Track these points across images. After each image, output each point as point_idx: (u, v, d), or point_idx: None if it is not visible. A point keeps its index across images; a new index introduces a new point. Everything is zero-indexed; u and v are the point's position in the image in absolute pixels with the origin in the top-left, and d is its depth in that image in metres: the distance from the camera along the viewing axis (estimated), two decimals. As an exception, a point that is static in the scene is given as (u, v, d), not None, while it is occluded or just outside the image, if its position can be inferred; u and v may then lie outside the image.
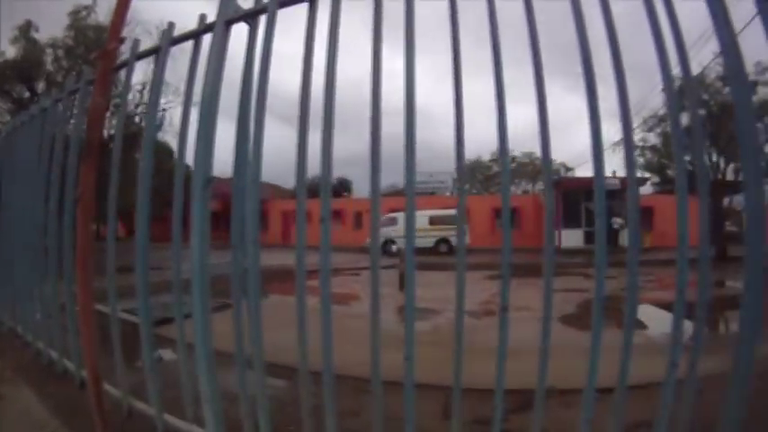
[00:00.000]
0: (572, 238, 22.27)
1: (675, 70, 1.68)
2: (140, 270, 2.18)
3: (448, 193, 31.67)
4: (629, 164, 1.59)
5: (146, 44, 2.52)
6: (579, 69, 1.67)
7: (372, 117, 1.65)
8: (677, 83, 1.80)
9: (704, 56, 14.90)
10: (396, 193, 18.42)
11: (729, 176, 17.78)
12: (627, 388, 1.75)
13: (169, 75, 2.71)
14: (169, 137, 18.89)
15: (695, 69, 15.30)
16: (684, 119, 1.90)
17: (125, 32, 2.21)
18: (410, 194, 1.64)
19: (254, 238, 1.79)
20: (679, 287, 1.62)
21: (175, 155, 2.27)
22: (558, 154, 34.19)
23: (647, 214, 21.50)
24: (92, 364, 2.28)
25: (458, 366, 1.65)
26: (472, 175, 42.72)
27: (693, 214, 1.65)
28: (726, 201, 18.70)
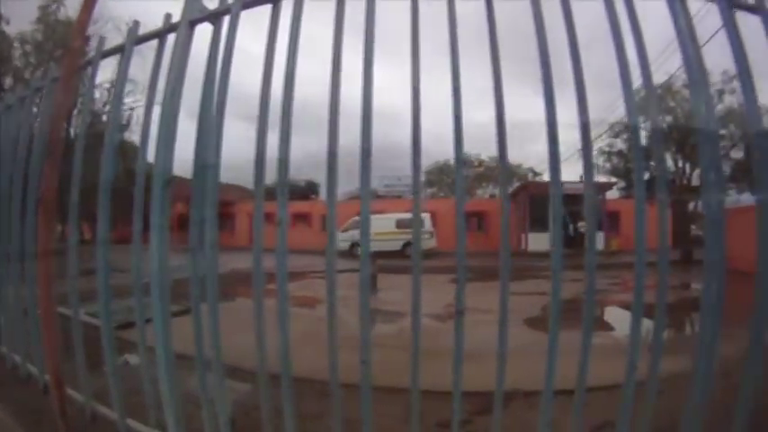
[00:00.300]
0: (539, 241, 22.42)
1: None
2: (101, 272, 2.14)
3: (414, 196, 31.42)
4: (587, 169, 1.62)
5: (116, 41, 2.48)
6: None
7: (330, 120, 1.65)
8: (642, 92, 1.83)
9: (672, 63, 15.22)
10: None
11: (695, 182, 18.28)
12: (586, 389, 1.77)
13: (139, 73, 2.67)
14: (136, 137, 18.60)
15: (662, 77, 15.58)
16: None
17: (95, 29, 2.19)
18: (365, 198, 1.64)
19: (213, 242, 1.77)
20: (637, 290, 1.65)
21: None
22: (527, 158, 34.39)
23: (613, 218, 21.86)
24: (54, 369, 2.24)
25: (414, 369, 1.66)
26: (440, 177, 42.62)
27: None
28: (691, 205, 19.19)
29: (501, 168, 1.70)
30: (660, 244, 1.66)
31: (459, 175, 1.69)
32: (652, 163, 1.77)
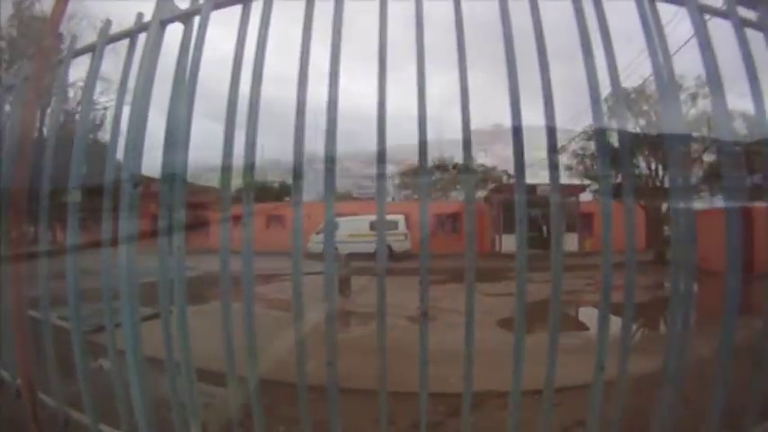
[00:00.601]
0: (513, 243, 22.55)
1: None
2: (70, 275, 2.11)
3: (390, 199, 31.22)
4: (552, 172, 1.64)
5: (91, 39, 2.44)
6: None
7: (297, 122, 1.64)
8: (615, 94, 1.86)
9: (648, 68, 15.42)
10: (337, 197, 18.16)
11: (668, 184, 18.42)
12: (560, 389, 1.79)
13: (114, 72, 2.62)
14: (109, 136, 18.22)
15: (637, 81, 15.77)
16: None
17: (70, 27, 2.15)
18: (329, 201, 1.64)
19: (180, 243, 1.76)
20: (604, 291, 1.67)
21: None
22: (503, 161, 34.18)
23: (587, 220, 22.12)
24: (26, 374, 2.21)
25: (383, 371, 1.67)
26: (415, 180, 42.60)
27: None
28: (664, 207, 19.40)
29: (466, 169, 1.71)
30: (627, 244, 1.69)
31: (425, 178, 1.71)
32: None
